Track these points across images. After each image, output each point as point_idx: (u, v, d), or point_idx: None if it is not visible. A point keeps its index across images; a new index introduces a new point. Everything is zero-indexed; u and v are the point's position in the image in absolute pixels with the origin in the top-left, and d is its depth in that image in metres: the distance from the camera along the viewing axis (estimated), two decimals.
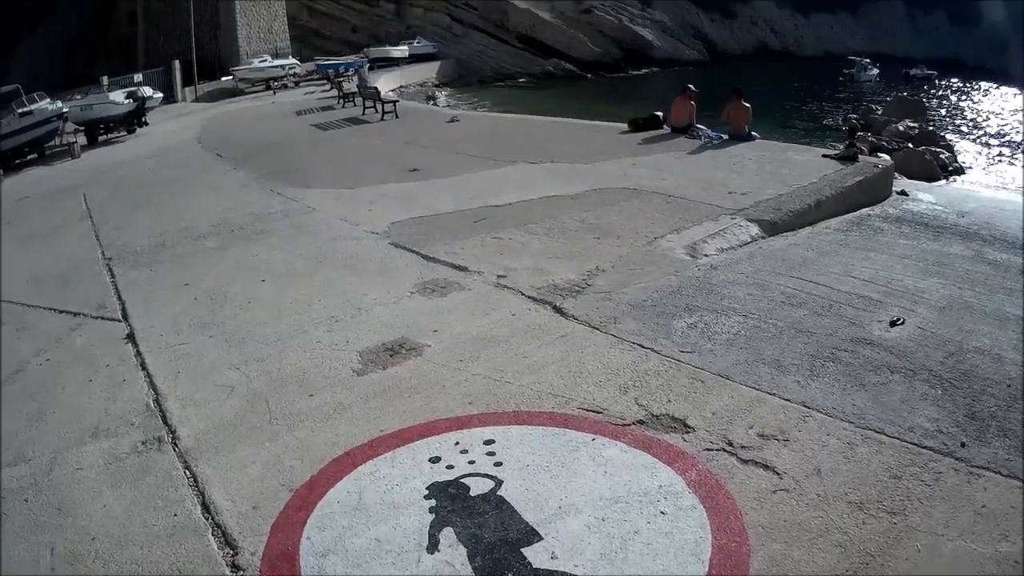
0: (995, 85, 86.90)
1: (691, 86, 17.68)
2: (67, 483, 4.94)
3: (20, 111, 30.31)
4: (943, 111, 55.95)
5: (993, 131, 46.29)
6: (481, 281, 7.76)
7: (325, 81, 47.74)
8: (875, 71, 79.89)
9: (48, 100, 32.31)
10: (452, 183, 13.10)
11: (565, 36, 69.28)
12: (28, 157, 30.77)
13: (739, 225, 9.38)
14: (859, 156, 14.09)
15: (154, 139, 30.46)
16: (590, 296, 7.17)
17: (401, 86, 52.82)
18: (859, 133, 32.63)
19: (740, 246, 8.81)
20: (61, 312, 8.31)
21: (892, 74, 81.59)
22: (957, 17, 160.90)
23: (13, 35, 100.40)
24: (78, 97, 37.13)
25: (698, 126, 16.87)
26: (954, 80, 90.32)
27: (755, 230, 9.36)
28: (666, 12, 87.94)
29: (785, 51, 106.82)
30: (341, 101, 34.31)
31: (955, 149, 33.47)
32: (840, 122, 42.31)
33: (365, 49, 61.14)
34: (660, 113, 18.25)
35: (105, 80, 42.02)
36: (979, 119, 53.06)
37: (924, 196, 12.99)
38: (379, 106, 27.56)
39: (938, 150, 29.48)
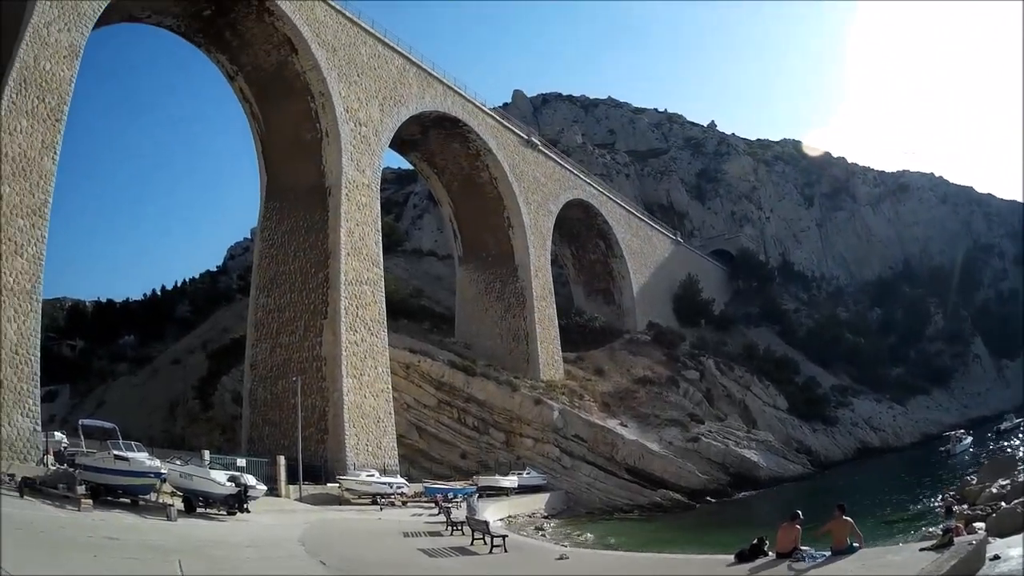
0: None
1: (798, 512, 18.70)
2: None
3: (115, 453, 31.39)
4: None
5: None
6: None
7: (433, 505, 48.88)
8: (968, 439, 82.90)
9: (147, 455, 33.09)
10: None
11: (673, 466, 70.65)
12: (120, 499, 31.53)
13: None
14: (954, 539, 14.45)
15: (254, 528, 31.29)
16: None
17: (509, 516, 53.78)
18: (955, 509, 33.62)
19: None
20: None
21: (986, 434, 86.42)
22: None
23: (110, 368, 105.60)
24: (178, 463, 38.19)
25: (802, 548, 17.94)
26: None
27: None
28: (771, 430, 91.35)
29: (885, 445, 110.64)
30: (449, 528, 35.02)
31: None
32: (938, 503, 43.44)
33: (474, 477, 62.84)
34: (764, 539, 19.36)
35: (207, 455, 43.95)
36: None
37: (1014, 552, 13.46)
38: (488, 539, 27.99)
39: None
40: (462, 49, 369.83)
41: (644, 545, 34.24)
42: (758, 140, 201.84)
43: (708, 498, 68.71)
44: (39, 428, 39.30)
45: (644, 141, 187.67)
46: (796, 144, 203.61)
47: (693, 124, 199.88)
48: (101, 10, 48.81)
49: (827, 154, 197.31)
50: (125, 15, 59.19)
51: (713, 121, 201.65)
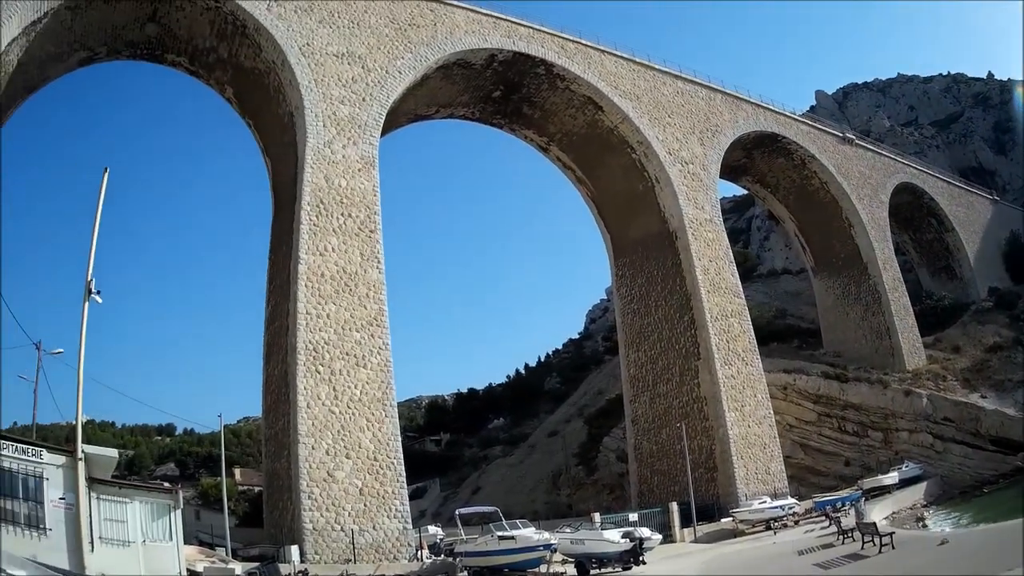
0: None
1: None
2: None
3: (500, 534, 33.18)
4: None
5: None
6: None
7: (823, 517, 49.61)
8: None
9: (532, 530, 34.82)
10: None
11: None
12: None
13: None
14: None
15: None
16: None
17: (893, 512, 54.34)
18: None
19: None
20: None
21: None
22: None
23: (482, 454, 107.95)
24: (567, 530, 39.69)
25: None
26: None
27: None
28: None
29: None
30: (840, 537, 35.78)
31: None
32: None
33: (859, 481, 63.39)
34: None
35: (597, 517, 45.49)
36: None
37: None
38: (876, 539, 29.25)
39: None
40: (751, 66, 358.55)
41: (1009, 513, 34.58)
42: None
43: None
44: (409, 526, 41.19)
45: (941, 109, 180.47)
46: None
47: (975, 79, 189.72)
48: (382, 118, 50.85)
49: None
50: (411, 116, 63.57)
51: (990, 71, 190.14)
